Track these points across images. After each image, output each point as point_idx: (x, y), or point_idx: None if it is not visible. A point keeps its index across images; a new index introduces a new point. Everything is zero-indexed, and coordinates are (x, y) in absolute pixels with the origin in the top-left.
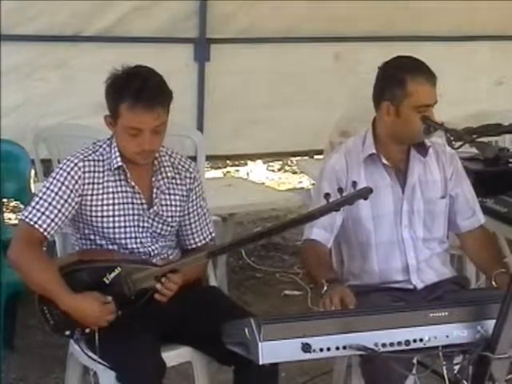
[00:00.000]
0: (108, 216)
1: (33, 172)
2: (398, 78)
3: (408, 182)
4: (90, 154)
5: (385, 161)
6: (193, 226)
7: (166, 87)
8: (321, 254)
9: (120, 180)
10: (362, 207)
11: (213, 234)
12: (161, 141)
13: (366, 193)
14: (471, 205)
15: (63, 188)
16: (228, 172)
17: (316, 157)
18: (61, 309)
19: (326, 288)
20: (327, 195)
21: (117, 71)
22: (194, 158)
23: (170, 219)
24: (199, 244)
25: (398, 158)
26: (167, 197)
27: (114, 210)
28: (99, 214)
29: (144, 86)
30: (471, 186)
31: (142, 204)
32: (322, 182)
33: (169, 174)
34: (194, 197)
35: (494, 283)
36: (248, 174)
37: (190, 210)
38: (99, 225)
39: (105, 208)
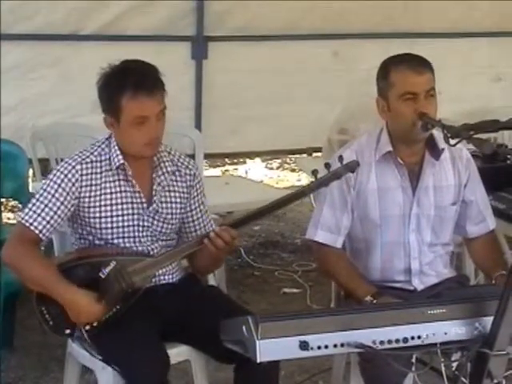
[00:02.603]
0: (106, 217)
1: (30, 171)
2: (383, 71)
3: (420, 185)
4: (87, 156)
5: (399, 160)
6: (196, 223)
7: (160, 73)
8: (349, 265)
9: (119, 180)
10: (370, 205)
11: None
12: (164, 128)
13: (353, 166)
14: (482, 211)
15: (60, 190)
16: (226, 170)
17: (314, 154)
18: (60, 308)
19: (370, 299)
20: (315, 171)
21: (106, 70)
22: (192, 157)
23: (169, 216)
24: None
25: (412, 160)
26: (167, 194)
27: (111, 211)
28: (97, 214)
29: (142, 74)
30: (484, 190)
31: (141, 203)
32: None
33: (169, 169)
34: (196, 193)
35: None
36: (246, 172)
37: (193, 207)
38: (97, 226)
39: (102, 209)
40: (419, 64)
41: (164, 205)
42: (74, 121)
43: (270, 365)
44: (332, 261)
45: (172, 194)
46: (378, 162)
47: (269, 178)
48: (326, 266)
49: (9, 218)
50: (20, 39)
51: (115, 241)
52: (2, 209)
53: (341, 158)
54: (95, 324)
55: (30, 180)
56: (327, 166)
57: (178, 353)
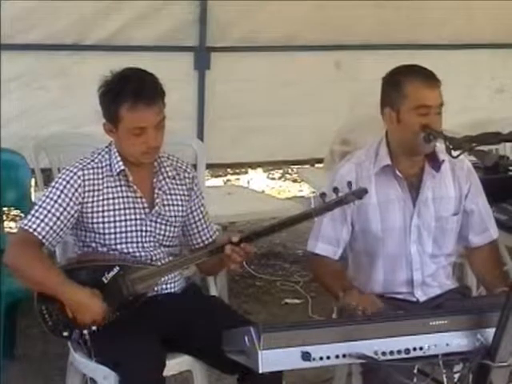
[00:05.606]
0: (109, 222)
1: (33, 181)
2: (394, 82)
3: (420, 197)
4: (88, 163)
5: (398, 173)
6: (198, 224)
7: (159, 83)
8: (336, 270)
9: (121, 185)
10: (371, 218)
11: (217, 233)
12: (163, 136)
13: (361, 193)
14: (485, 220)
15: (62, 196)
16: (228, 180)
17: (317, 165)
18: (60, 308)
19: (342, 295)
20: (323, 195)
21: (107, 78)
22: (194, 167)
23: (172, 219)
24: (206, 242)
25: (411, 172)
26: (169, 197)
27: (114, 216)
28: (100, 219)
29: (141, 84)
30: (486, 200)
31: (143, 208)
32: (331, 191)
33: (170, 174)
34: (195, 196)
35: None
36: (248, 182)
37: (193, 208)
38: (100, 231)
39: (105, 214)
40: (431, 77)
41: (166, 207)
42: (77, 131)
43: (273, 375)
44: (322, 266)
45: (174, 197)
46: (377, 175)
47: (270, 189)
48: (316, 272)
49: (11, 228)
50: (23, 49)
51: (118, 246)
52: (4, 218)
53: (350, 184)
54: (94, 328)
55: (32, 190)
56: (335, 190)
57: (179, 363)
